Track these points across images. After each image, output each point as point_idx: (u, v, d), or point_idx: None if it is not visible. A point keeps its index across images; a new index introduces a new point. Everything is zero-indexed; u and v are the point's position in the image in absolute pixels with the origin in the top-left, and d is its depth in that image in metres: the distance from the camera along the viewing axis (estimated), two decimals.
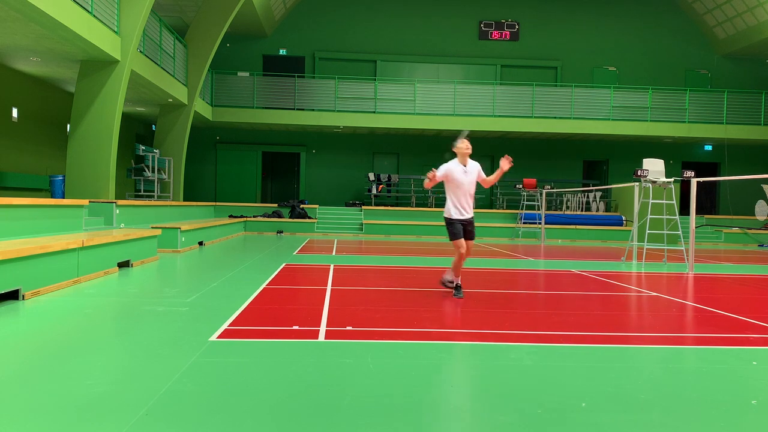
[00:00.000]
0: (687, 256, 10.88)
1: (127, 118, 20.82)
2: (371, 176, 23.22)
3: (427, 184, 6.75)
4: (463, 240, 6.54)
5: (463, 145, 6.61)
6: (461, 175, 6.57)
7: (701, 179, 11.04)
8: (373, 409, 3.02)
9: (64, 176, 14.36)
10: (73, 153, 12.91)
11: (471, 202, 6.66)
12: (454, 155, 6.74)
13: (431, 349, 4.28)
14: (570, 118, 22.84)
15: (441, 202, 23.92)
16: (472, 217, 6.72)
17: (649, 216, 13.13)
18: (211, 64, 19.83)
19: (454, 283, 6.66)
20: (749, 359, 4.19)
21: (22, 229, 7.58)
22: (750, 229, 21.87)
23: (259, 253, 11.87)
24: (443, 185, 6.77)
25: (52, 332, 4.69)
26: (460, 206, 6.59)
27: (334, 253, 12.53)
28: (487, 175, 6.80)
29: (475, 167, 6.69)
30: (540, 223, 19.89)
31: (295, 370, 3.63)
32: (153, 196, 17.47)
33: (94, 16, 11.36)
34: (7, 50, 12.48)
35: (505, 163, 6.46)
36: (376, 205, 23.33)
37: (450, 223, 6.62)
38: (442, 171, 6.63)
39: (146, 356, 3.92)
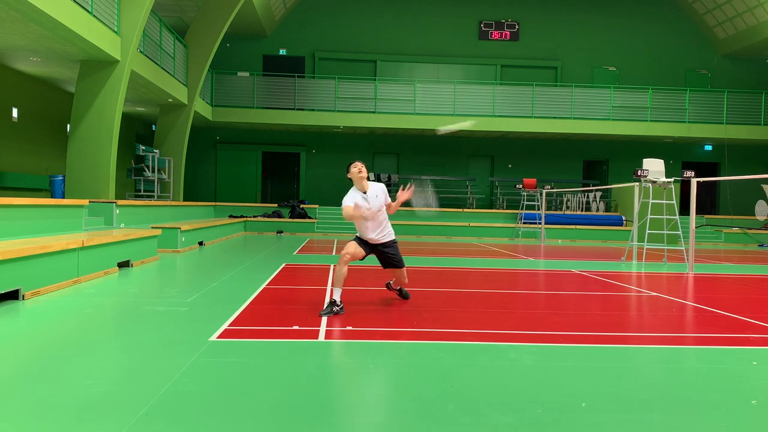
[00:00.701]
0: (687, 256, 10.88)
1: (127, 118, 20.82)
2: (371, 176, 23.22)
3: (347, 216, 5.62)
4: (354, 244, 5.68)
5: (355, 170, 5.69)
6: (364, 204, 5.58)
7: (701, 179, 11.04)
8: (374, 408, 3.02)
9: (64, 176, 14.35)
10: (73, 153, 12.91)
11: (383, 228, 5.75)
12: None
13: (431, 349, 4.28)
14: (570, 118, 22.84)
15: (440, 202, 23.92)
16: (392, 240, 5.85)
17: (649, 216, 13.13)
18: (211, 64, 19.83)
19: (335, 303, 5.37)
20: (749, 359, 4.19)
21: (22, 229, 7.58)
22: (750, 229, 21.87)
23: (259, 253, 11.86)
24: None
25: (52, 332, 4.69)
26: (369, 235, 5.71)
27: (334, 253, 12.53)
28: (393, 199, 5.81)
29: (380, 191, 5.72)
30: (540, 223, 19.89)
31: (295, 371, 3.63)
32: (153, 196, 17.47)
33: (94, 16, 11.36)
34: (7, 50, 12.48)
35: (404, 195, 5.63)
36: None
37: (357, 237, 5.81)
38: (350, 204, 5.53)
39: (146, 356, 3.92)
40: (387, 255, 5.84)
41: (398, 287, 6.35)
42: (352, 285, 7.64)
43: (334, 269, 5.70)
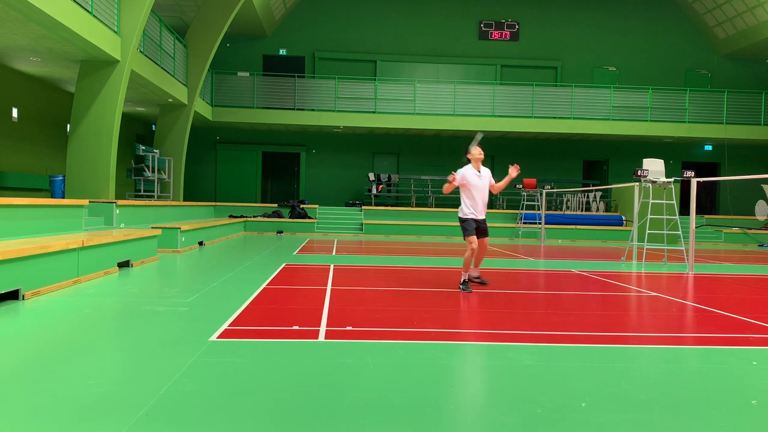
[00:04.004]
0: (687, 256, 10.88)
1: (127, 118, 20.82)
2: (371, 176, 23.22)
3: (447, 188, 7.28)
4: (474, 236, 7.10)
5: (476, 152, 7.19)
6: (476, 180, 7.15)
7: (701, 179, 11.04)
8: (374, 409, 3.02)
9: (64, 176, 14.35)
10: (73, 153, 12.91)
11: (483, 204, 7.27)
12: (468, 160, 7.34)
13: (431, 349, 4.28)
14: (570, 118, 22.84)
15: (441, 202, 23.93)
16: (485, 219, 7.34)
17: (649, 216, 13.13)
18: (211, 64, 19.82)
19: (468, 277, 7.22)
20: (749, 359, 4.19)
21: (22, 229, 7.58)
22: (750, 229, 21.87)
23: (259, 253, 11.87)
24: (458, 190, 7.38)
25: (52, 332, 4.69)
26: (474, 208, 7.19)
27: (334, 253, 12.53)
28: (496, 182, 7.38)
29: (487, 173, 7.28)
30: (540, 223, 19.89)
31: (295, 370, 3.63)
32: (153, 196, 17.47)
33: (94, 16, 11.36)
34: (7, 50, 12.48)
35: (513, 171, 7.09)
36: (376, 205, 23.32)
37: (464, 221, 7.21)
38: (459, 176, 7.17)
39: (146, 356, 3.92)
40: (483, 228, 7.33)
41: (478, 275, 7.58)
42: (352, 285, 7.64)
43: (464, 257, 7.15)
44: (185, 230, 11.93)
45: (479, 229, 7.25)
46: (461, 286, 7.07)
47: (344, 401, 3.10)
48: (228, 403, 3.02)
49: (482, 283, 7.57)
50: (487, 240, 7.45)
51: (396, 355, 4.11)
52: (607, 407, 3.11)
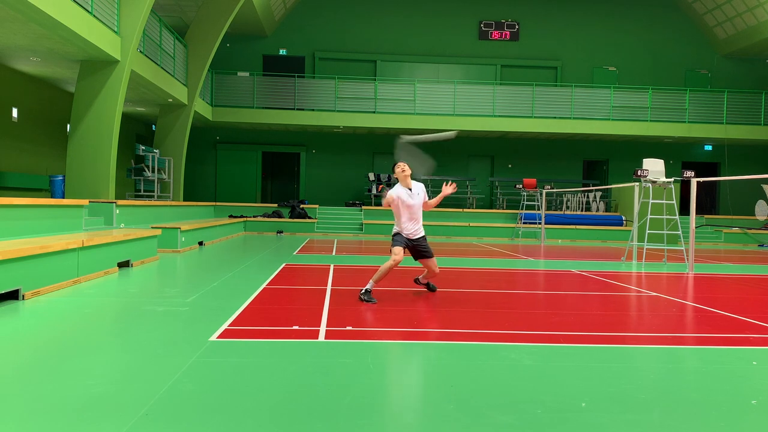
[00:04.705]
0: (687, 256, 10.88)
1: (127, 118, 20.82)
2: (371, 176, 23.22)
3: (384, 202, 6.46)
4: (401, 248, 6.31)
5: (398, 169, 6.38)
6: (409, 200, 6.35)
7: (701, 179, 11.04)
8: (373, 409, 3.02)
9: (64, 176, 14.35)
10: (73, 153, 12.91)
11: (417, 223, 6.45)
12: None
13: (431, 349, 4.28)
14: (570, 118, 22.84)
15: (441, 202, 23.91)
16: (423, 237, 6.54)
17: (649, 216, 13.13)
18: (211, 64, 19.82)
19: (368, 290, 6.20)
20: (749, 359, 4.19)
21: (22, 229, 7.58)
22: (750, 229, 21.86)
23: (259, 253, 11.86)
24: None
25: (52, 332, 4.69)
26: (405, 229, 6.40)
27: (334, 253, 12.53)
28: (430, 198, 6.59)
29: (420, 189, 6.48)
30: (540, 223, 19.89)
31: (295, 370, 3.63)
32: (153, 196, 17.47)
33: (94, 16, 11.36)
34: (7, 50, 12.48)
35: (447, 189, 6.37)
36: (376, 205, 23.31)
37: (396, 234, 6.46)
38: (392, 195, 6.35)
39: (146, 356, 3.92)
40: (420, 248, 6.49)
41: (426, 281, 6.95)
42: (352, 285, 7.64)
43: (382, 266, 6.28)
44: (185, 230, 11.93)
45: (419, 250, 6.47)
46: (363, 296, 6.13)
47: (344, 401, 3.10)
48: (228, 403, 3.02)
49: (430, 289, 6.95)
50: (434, 261, 6.58)
51: (396, 355, 4.11)
52: (607, 407, 3.11)
